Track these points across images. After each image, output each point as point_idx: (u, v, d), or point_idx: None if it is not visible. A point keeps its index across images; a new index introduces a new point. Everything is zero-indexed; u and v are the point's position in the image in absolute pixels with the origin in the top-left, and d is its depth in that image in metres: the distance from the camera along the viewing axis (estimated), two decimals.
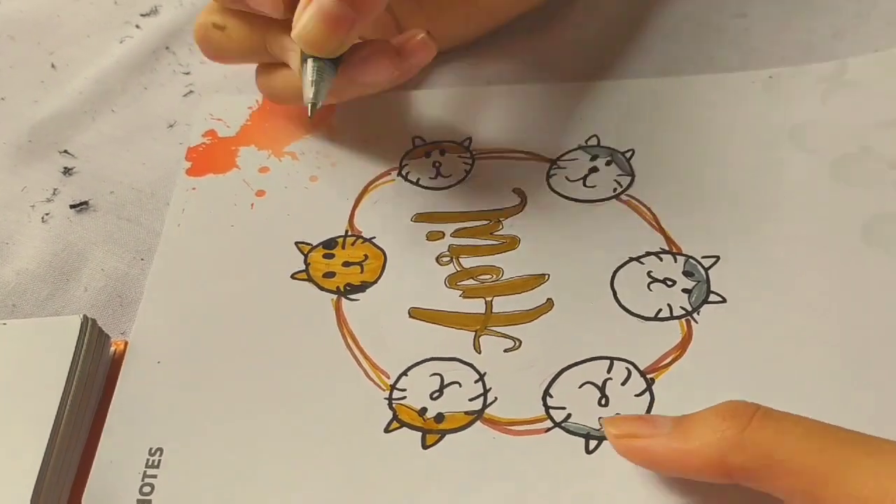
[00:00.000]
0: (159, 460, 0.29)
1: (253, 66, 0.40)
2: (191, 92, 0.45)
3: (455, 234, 0.36)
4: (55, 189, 0.41)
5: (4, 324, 0.33)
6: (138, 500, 0.28)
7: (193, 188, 0.39)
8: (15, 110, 0.45)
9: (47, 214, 0.39)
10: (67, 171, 0.41)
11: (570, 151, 0.39)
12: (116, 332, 0.35)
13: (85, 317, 0.32)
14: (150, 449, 0.30)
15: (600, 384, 0.31)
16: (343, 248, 0.36)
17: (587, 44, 0.44)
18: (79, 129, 0.44)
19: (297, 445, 0.30)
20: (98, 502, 0.28)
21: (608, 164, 0.38)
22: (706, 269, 0.33)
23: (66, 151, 0.42)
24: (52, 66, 0.47)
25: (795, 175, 0.36)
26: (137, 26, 0.49)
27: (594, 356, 0.31)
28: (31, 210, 0.40)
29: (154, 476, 0.29)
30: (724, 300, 0.32)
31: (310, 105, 0.33)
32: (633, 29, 0.44)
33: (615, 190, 0.37)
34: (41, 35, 0.50)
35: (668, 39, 0.43)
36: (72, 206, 0.39)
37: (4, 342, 0.32)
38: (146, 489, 0.29)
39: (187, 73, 0.46)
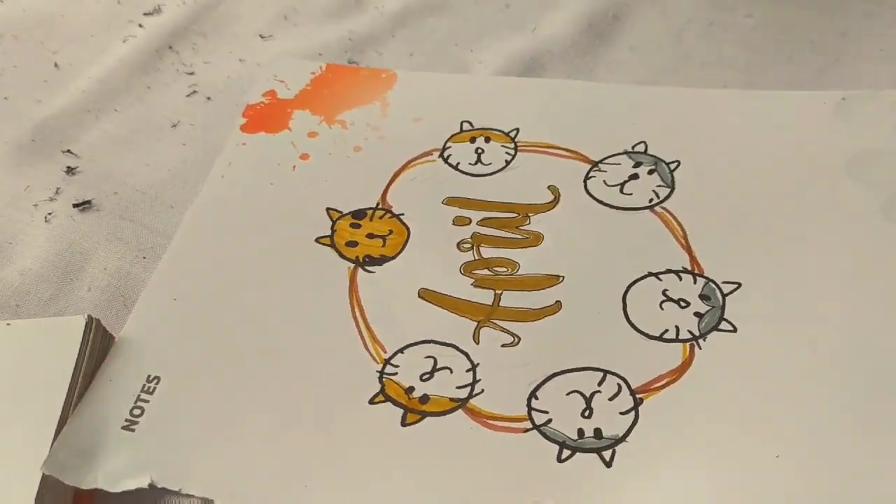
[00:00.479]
0: (155, 387, 0.31)
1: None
2: (194, 92, 0.45)
3: (481, 222, 0.36)
4: (58, 188, 0.40)
5: (8, 324, 0.33)
6: (126, 419, 0.30)
7: (244, 144, 0.41)
8: (18, 110, 0.45)
9: (50, 214, 0.39)
10: (71, 170, 0.41)
11: (614, 155, 0.38)
12: (120, 332, 0.34)
13: (89, 317, 0.32)
14: (149, 376, 0.32)
15: (588, 395, 0.30)
16: (371, 220, 0.37)
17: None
18: (82, 129, 0.44)
19: (284, 399, 0.31)
20: (89, 416, 0.30)
21: (650, 172, 0.37)
22: (724, 295, 0.32)
23: (69, 151, 0.42)
24: (56, 65, 0.47)
25: (844, 208, 0.34)
26: (140, 25, 0.49)
27: (588, 366, 0.31)
28: (34, 209, 0.40)
29: (146, 401, 0.31)
30: (734, 329, 0.31)
31: None
32: (641, 28, 0.44)
33: (651, 200, 0.36)
34: (44, 34, 0.50)
35: (675, 39, 0.43)
36: (75, 205, 0.39)
37: (9, 342, 0.32)
38: (136, 411, 0.31)
39: (191, 73, 0.46)
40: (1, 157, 0.42)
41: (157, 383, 0.31)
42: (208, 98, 0.44)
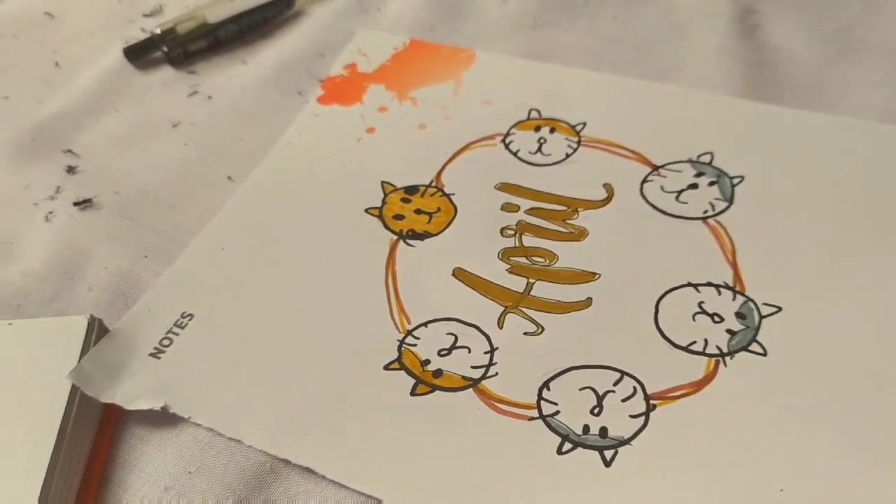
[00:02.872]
0: (187, 323, 0.33)
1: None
2: (195, 92, 0.44)
3: (530, 211, 0.36)
4: (58, 187, 0.40)
5: (10, 324, 0.33)
6: (155, 347, 0.32)
7: (317, 115, 0.42)
8: (19, 109, 0.45)
9: (51, 213, 0.39)
10: (71, 169, 0.41)
11: (677, 162, 0.37)
12: None
13: (91, 316, 0.32)
14: (183, 312, 0.33)
15: (601, 393, 0.30)
16: (422, 196, 0.37)
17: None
18: (82, 129, 0.43)
19: (303, 351, 0.32)
20: (122, 339, 0.32)
21: (711, 184, 0.36)
22: (762, 317, 0.31)
23: (69, 151, 0.42)
24: (56, 64, 0.47)
25: None
26: (142, 29, 0.49)
27: (607, 365, 0.30)
28: (35, 208, 0.40)
29: (177, 334, 0.33)
30: (764, 353, 0.30)
31: None
32: (646, 23, 0.44)
33: (706, 212, 0.35)
34: (45, 34, 0.50)
35: (673, 34, 0.43)
36: (75, 204, 0.39)
37: (11, 342, 0.32)
38: (165, 342, 0.32)
39: (192, 73, 0.46)
40: (1, 157, 0.42)
41: (189, 320, 0.33)
42: (209, 98, 0.44)
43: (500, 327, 0.32)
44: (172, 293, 0.34)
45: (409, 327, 0.33)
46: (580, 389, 0.30)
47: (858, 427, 0.27)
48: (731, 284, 0.32)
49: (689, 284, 0.32)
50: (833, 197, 0.34)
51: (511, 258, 0.35)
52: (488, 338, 0.32)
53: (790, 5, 0.43)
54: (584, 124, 0.39)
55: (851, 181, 0.35)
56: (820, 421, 0.28)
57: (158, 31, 0.46)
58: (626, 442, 0.28)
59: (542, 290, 0.33)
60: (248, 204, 0.38)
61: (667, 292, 0.32)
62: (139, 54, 0.46)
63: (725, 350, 0.30)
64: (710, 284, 0.32)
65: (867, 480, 0.26)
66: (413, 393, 0.31)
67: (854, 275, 0.31)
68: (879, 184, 0.34)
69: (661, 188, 0.36)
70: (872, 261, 0.32)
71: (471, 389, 0.30)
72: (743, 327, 0.31)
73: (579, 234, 0.35)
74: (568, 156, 0.38)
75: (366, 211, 0.37)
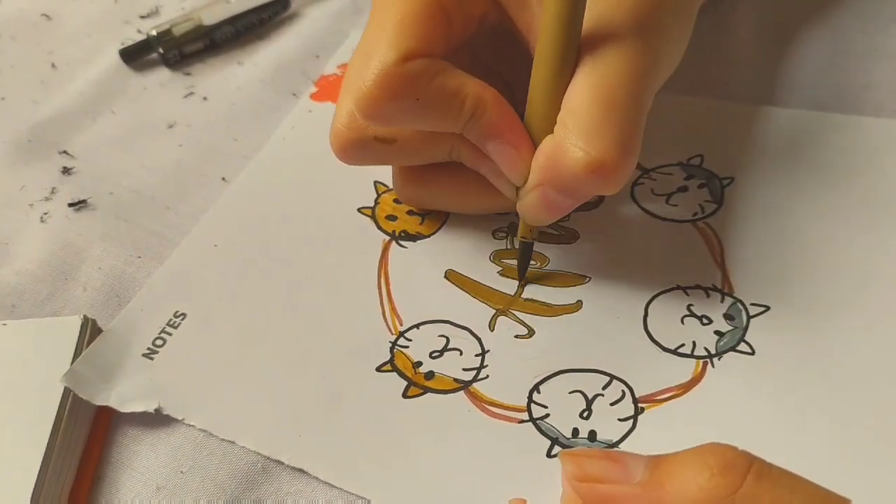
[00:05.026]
0: (180, 322, 0.33)
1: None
2: (191, 94, 0.45)
3: None
4: (54, 188, 0.40)
5: (5, 324, 0.33)
6: (148, 348, 0.33)
7: (310, 111, 0.42)
8: (15, 110, 0.45)
9: (46, 214, 0.39)
10: (66, 170, 0.41)
11: (667, 165, 0.37)
12: None
13: (85, 317, 0.33)
14: (176, 311, 0.34)
15: (590, 397, 0.30)
16: None
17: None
18: (78, 130, 0.44)
19: (295, 352, 0.32)
20: (115, 340, 0.33)
21: (700, 187, 0.36)
22: (749, 317, 0.31)
23: (65, 152, 0.42)
24: (53, 65, 0.48)
25: None
26: (139, 30, 0.49)
27: (596, 369, 0.31)
28: (30, 209, 0.40)
29: (170, 334, 0.33)
30: (752, 352, 0.30)
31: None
32: None
33: (695, 214, 0.35)
34: (41, 35, 0.50)
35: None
36: (70, 205, 0.39)
37: (5, 343, 0.32)
38: (158, 342, 0.33)
39: (188, 74, 0.46)
40: None
41: (182, 319, 0.33)
42: (205, 99, 0.45)
43: (492, 330, 0.33)
44: (164, 292, 0.35)
45: (402, 329, 0.33)
46: (570, 393, 0.30)
47: (847, 423, 0.28)
48: (719, 286, 0.32)
49: (678, 287, 0.33)
50: (824, 194, 0.35)
51: (503, 260, 0.35)
52: (479, 340, 0.32)
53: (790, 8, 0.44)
54: None
55: (839, 179, 0.35)
56: (808, 417, 0.28)
57: (154, 32, 0.46)
58: (615, 445, 0.28)
59: (533, 292, 0.34)
60: (241, 200, 0.38)
61: (656, 295, 0.33)
62: (135, 56, 0.47)
63: (713, 351, 0.30)
64: (698, 287, 0.33)
65: (856, 478, 0.26)
66: (405, 395, 0.31)
67: (842, 272, 0.32)
68: (868, 181, 0.35)
69: (652, 191, 0.36)
70: (860, 258, 0.32)
71: (462, 392, 0.31)
72: (731, 328, 0.31)
73: (570, 237, 0.35)
74: None
75: (358, 210, 0.37)
